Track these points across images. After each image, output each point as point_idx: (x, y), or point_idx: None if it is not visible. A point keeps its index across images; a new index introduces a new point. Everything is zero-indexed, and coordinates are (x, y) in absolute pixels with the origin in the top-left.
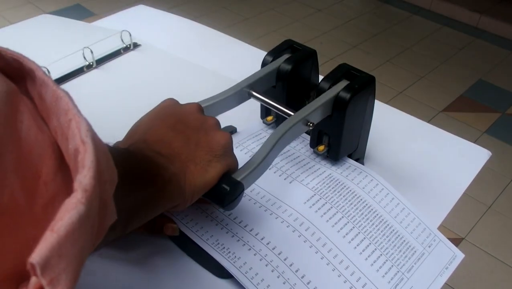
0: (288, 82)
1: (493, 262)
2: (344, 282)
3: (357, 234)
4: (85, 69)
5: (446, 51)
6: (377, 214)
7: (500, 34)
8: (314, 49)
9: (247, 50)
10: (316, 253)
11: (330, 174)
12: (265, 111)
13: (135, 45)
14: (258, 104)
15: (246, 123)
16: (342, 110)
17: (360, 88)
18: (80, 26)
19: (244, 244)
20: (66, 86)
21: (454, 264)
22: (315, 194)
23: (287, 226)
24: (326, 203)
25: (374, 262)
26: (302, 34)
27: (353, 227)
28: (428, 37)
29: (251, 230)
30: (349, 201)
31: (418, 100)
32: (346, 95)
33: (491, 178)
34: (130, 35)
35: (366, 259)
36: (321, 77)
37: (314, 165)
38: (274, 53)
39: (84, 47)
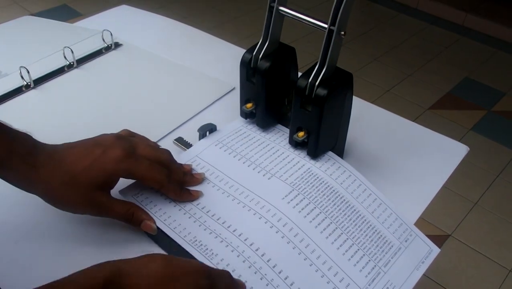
0: (267, 79)
1: (480, 258)
2: (322, 276)
3: (334, 230)
4: (65, 68)
5: (433, 49)
6: (355, 210)
7: (486, 32)
8: (293, 47)
9: (230, 49)
10: (293, 248)
11: (309, 168)
12: (244, 99)
13: (117, 45)
14: (237, 101)
15: (226, 120)
16: (320, 107)
17: (338, 84)
18: (62, 26)
19: (222, 241)
20: (47, 85)
21: (430, 258)
22: (293, 190)
23: (265, 222)
24: (304, 198)
25: (351, 256)
26: (289, 33)
27: (331, 222)
28: (415, 35)
29: (228, 227)
30: (327, 196)
31: (405, 98)
32: (324, 92)
33: (477, 175)
34: (112, 34)
35: (344, 254)
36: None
37: (293, 158)
38: (253, 51)
39: (65, 47)
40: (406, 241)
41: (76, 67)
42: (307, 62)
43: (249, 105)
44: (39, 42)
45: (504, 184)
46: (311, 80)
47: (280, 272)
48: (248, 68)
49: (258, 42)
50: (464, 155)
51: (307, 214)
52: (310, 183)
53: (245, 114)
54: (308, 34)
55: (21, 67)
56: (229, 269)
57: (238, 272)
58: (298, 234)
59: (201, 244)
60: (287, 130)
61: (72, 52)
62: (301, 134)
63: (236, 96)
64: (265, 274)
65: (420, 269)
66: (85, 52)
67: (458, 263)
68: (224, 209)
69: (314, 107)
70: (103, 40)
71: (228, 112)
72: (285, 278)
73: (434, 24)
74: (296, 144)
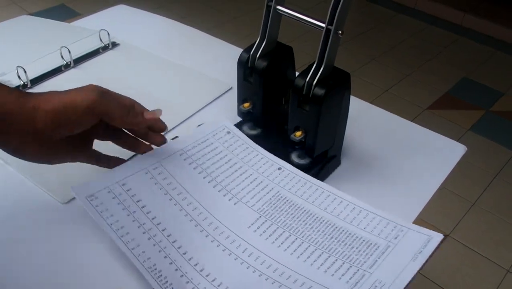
0: (264, 79)
1: (478, 258)
2: None
3: (307, 247)
4: (63, 68)
5: (431, 50)
6: (330, 224)
7: (485, 32)
8: (290, 46)
9: (228, 49)
10: (266, 279)
11: (278, 192)
12: (242, 99)
13: (114, 44)
14: (235, 101)
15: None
16: (318, 106)
17: (335, 84)
18: (59, 26)
19: (183, 275)
20: (44, 85)
21: (430, 246)
22: (260, 216)
23: (229, 254)
24: (272, 224)
25: (328, 268)
26: (287, 33)
27: (302, 241)
28: (414, 35)
29: (190, 259)
30: (297, 217)
31: (403, 98)
32: (321, 91)
33: (476, 175)
34: (109, 34)
35: (319, 267)
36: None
37: (262, 181)
38: (250, 50)
39: (62, 47)
40: (395, 238)
41: (73, 67)
42: (305, 62)
43: (246, 104)
44: (36, 41)
45: (502, 184)
46: (309, 79)
47: None
48: (245, 68)
49: (256, 42)
50: (462, 154)
51: (276, 239)
52: (279, 208)
53: (243, 114)
54: (306, 33)
55: (18, 66)
56: None
57: None
58: (265, 261)
59: (161, 275)
60: (262, 151)
61: (69, 51)
62: (298, 133)
63: (233, 95)
64: None
65: (418, 259)
66: (82, 52)
67: (456, 263)
68: (185, 236)
69: (312, 106)
70: (100, 39)
71: (225, 111)
72: None
73: (433, 24)
74: (293, 143)
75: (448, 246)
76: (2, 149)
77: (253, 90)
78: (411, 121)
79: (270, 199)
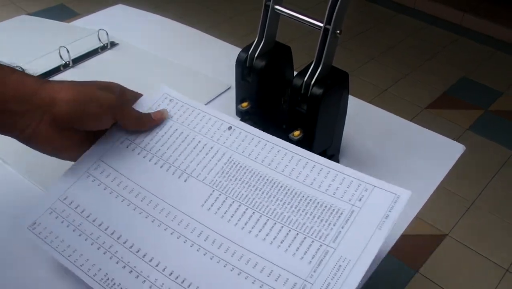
0: (262, 78)
1: (477, 257)
2: (253, 282)
3: (265, 222)
4: (61, 68)
5: (431, 49)
6: (289, 189)
7: (484, 32)
8: (288, 46)
9: (226, 48)
10: (218, 262)
11: (230, 157)
12: (240, 98)
13: (113, 44)
14: (233, 100)
15: None
16: (315, 106)
17: (333, 83)
18: (58, 26)
19: (138, 276)
20: None
21: (397, 207)
22: (214, 190)
23: (184, 241)
24: (227, 198)
25: (289, 246)
26: (287, 33)
27: (261, 216)
28: (413, 35)
29: (144, 256)
30: (253, 186)
31: (402, 97)
32: (319, 91)
33: (474, 175)
34: (107, 34)
35: (279, 246)
36: None
37: (212, 147)
38: (248, 50)
39: (61, 46)
40: (360, 200)
41: (72, 67)
42: (304, 61)
43: (244, 104)
44: (35, 41)
45: (501, 184)
46: (307, 79)
47: None
48: (243, 67)
49: (254, 41)
50: (460, 154)
51: (232, 216)
52: (233, 176)
53: (241, 113)
54: (305, 33)
55: (16, 66)
56: None
57: None
58: (223, 244)
59: (114, 283)
60: (211, 111)
61: (68, 51)
62: (296, 133)
63: (232, 95)
64: None
65: (385, 226)
66: (81, 52)
67: (455, 263)
68: (136, 232)
69: (310, 106)
70: (99, 39)
71: (224, 111)
72: None
73: (432, 24)
74: (292, 143)
75: (447, 245)
76: (17, 137)
77: (251, 90)
78: (410, 120)
79: (223, 167)
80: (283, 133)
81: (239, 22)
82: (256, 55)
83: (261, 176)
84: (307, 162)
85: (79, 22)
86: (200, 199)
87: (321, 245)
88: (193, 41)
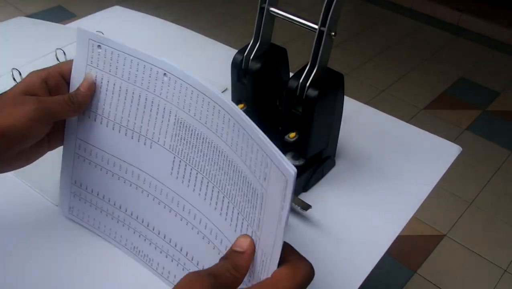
0: (257, 80)
1: (475, 258)
2: (214, 248)
3: (212, 191)
4: None
5: (428, 50)
6: (225, 156)
7: (481, 32)
8: (284, 48)
9: (223, 50)
10: (174, 214)
11: (176, 115)
12: (236, 100)
13: None
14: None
15: None
16: (311, 107)
17: (329, 85)
18: (54, 27)
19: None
20: None
21: (289, 184)
22: (175, 157)
23: (153, 199)
24: (186, 166)
25: (231, 220)
26: (284, 34)
27: (218, 190)
28: (410, 35)
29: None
30: (201, 151)
31: (400, 98)
32: (315, 92)
33: (472, 175)
34: (104, 35)
35: (226, 219)
36: None
37: (158, 104)
38: (244, 52)
39: (57, 48)
40: (265, 179)
41: None
42: (300, 63)
43: (240, 106)
44: (31, 43)
45: (499, 184)
46: (302, 81)
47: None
48: (239, 69)
49: (249, 43)
50: (457, 155)
51: (200, 190)
52: (185, 140)
53: None
54: (301, 35)
55: (13, 69)
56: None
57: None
58: (185, 206)
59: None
60: (142, 55)
61: (65, 53)
62: (292, 135)
63: (228, 97)
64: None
65: (284, 209)
66: None
67: (453, 263)
68: (140, 207)
69: (305, 108)
70: None
71: None
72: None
73: (429, 24)
74: (287, 144)
75: (445, 246)
76: None
77: (247, 92)
78: (408, 121)
79: (173, 129)
80: (279, 135)
81: (235, 24)
82: (251, 57)
83: (204, 139)
84: (234, 124)
85: (75, 24)
86: (167, 167)
87: (252, 232)
88: (189, 42)
